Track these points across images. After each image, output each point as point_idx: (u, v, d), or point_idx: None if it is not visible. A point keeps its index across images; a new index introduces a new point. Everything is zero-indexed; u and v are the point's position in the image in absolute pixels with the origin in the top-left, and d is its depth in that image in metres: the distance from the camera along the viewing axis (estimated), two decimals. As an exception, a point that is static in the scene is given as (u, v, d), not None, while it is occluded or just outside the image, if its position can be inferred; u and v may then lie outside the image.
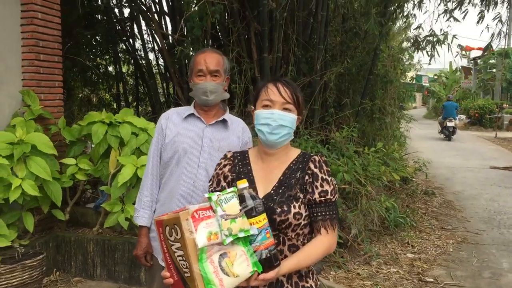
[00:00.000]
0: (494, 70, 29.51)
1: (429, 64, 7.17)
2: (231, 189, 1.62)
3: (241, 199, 1.59)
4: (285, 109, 1.78)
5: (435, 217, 6.93)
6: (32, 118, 4.35)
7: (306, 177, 1.78)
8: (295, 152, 1.88)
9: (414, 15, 8.42)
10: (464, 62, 34.20)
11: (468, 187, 9.30)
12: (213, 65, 2.31)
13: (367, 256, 5.02)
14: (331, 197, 1.77)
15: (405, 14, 8.11)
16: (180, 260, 1.49)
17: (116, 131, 4.29)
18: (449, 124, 17.86)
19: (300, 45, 6.60)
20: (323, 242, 1.74)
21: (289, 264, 1.66)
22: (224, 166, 1.91)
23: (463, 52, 29.75)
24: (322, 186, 1.76)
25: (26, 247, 3.93)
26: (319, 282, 1.89)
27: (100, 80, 9.94)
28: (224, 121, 2.40)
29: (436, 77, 36.22)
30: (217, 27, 6.82)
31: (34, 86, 4.55)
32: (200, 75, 2.32)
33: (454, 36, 6.77)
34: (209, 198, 1.55)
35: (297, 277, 1.77)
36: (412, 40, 7.46)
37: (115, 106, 9.77)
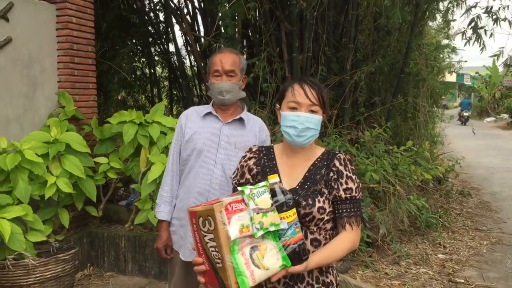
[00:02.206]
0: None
1: (482, 51, 6.72)
2: (263, 183, 1.63)
3: (272, 193, 1.61)
4: (311, 111, 1.79)
5: (470, 218, 6.77)
6: (66, 118, 4.53)
7: (331, 174, 1.80)
8: (320, 150, 1.91)
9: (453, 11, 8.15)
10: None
11: (507, 187, 9.03)
12: (228, 65, 2.37)
13: (396, 256, 4.97)
14: (356, 195, 1.80)
15: (443, 11, 7.98)
16: (212, 251, 1.52)
17: (145, 131, 4.42)
18: (465, 114, 26.20)
19: (331, 45, 6.58)
20: (348, 238, 1.77)
21: (317, 258, 1.69)
22: (249, 159, 1.94)
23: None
24: (347, 183, 1.79)
25: (61, 242, 4.10)
26: (339, 278, 1.92)
27: (137, 83, 10.19)
28: (241, 120, 2.46)
29: (478, 75, 35.15)
30: (249, 27, 6.89)
31: (69, 88, 4.74)
32: (216, 75, 2.39)
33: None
34: (242, 192, 1.57)
35: (317, 271, 1.80)
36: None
37: (149, 107, 10.00)
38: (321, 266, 1.76)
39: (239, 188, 1.60)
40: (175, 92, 9.95)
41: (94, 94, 5.08)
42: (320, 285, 1.80)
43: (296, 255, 1.61)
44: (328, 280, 1.82)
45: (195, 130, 2.43)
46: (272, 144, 2.03)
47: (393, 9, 5.46)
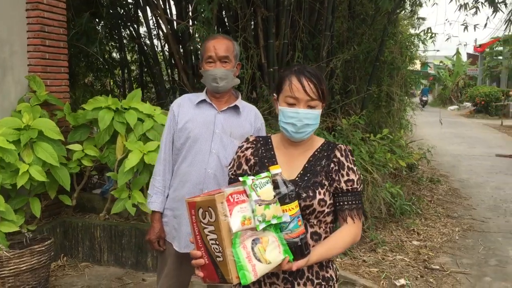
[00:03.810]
0: (500, 57, 29.30)
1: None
2: (265, 174, 1.56)
3: (275, 185, 1.55)
4: (310, 106, 1.72)
5: (441, 205, 6.92)
6: (38, 103, 4.34)
7: (332, 165, 1.75)
8: (319, 141, 1.86)
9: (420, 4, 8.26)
10: (470, 49, 34.13)
11: (474, 175, 9.28)
12: (222, 51, 2.29)
13: (373, 244, 5.03)
14: (357, 187, 1.75)
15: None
16: (212, 244, 1.46)
17: (122, 117, 4.27)
18: (423, 98, 31.85)
19: (307, 31, 6.54)
20: (350, 231, 1.72)
21: (319, 252, 1.64)
22: (246, 149, 1.87)
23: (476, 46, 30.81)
24: (348, 175, 1.74)
25: (34, 233, 3.94)
26: (338, 272, 1.87)
27: (106, 67, 9.90)
28: (236, 108, 2.39)
29: (442, 64, 35.98)
30: (224, 12, 6.76)
31: (40, 72, 4.53)
32: (210, 61, 2.30)
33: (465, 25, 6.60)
34: (244, 182, 1.50)
35: (317, 266, 1.75)
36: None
37: (117, 92, 9.75)
38: (322, 260, 1.71)
39: (241, 179, 1.52)
40: (145, 77, 9.71)
41: (66, 79, 4.88)
42: (320, 280, 1.75)
43: (298, 249, 1.55)
44: (328, 275, 1.77)
45: (189, 118, 2.35)
46: (269, 134, 1.95)
47: None
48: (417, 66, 11.64)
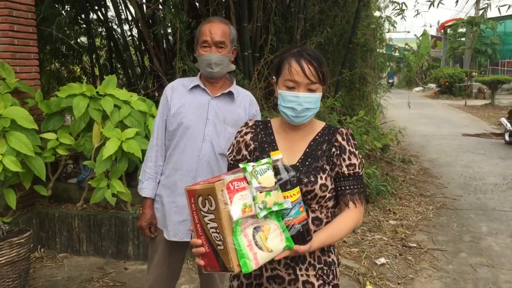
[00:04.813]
0: (463, 39, 29.93)
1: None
2: (265, 160, 1.53)
3: (276, 171, 1.51)
4: (310, 89, 1.68)
5: (414, 184, 7.08)
6: (8, 91, 4.17)
7: (333, 150, 1.73)
8: (320, 124, 1.83)
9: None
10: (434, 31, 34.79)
11: (443, 154, 9.51)
12: (218, 36, 2.22)
13: (352, 224, 5.09)
14: (359, 171, 1.73)
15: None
16: (213, 233, 1.43)
17: (98, 104, 4.16)
18: (390, 81, 32.15)
19: (280, 14, 6.49)
20: (351, 216, 1.70)
21: (321, 238, 1.62)
22: (246, 134, 1.83)
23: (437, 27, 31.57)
24: (350, 159, 1.72)
25: (9, 225, 3.82)
26: (340, 257, 1.87)
27: (71, 52, 9.58)
28: (230, 94, 2.34)
29: (407, 46, 36.53)
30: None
31: (9, 58, 4.36)
32: (205, 46, 2.24)
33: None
34: (244, 169, 1.47)
35: (319, 251, 1.73)
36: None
37: (85, 79, 9.49)
38: (324, 246, 1.70)
39: (241, 165, 1.49)
40: (114, 63, 9.47)
41: (36, 65, 4.70)
42: (322, 265, 1.74)
43: (300, 235, 1.53)
44: (330, 260, 1.76)
45: (182, 103, 2.29)
46: (269, 118, 1.92)
47: None
48: (383, 49, 11.80)
